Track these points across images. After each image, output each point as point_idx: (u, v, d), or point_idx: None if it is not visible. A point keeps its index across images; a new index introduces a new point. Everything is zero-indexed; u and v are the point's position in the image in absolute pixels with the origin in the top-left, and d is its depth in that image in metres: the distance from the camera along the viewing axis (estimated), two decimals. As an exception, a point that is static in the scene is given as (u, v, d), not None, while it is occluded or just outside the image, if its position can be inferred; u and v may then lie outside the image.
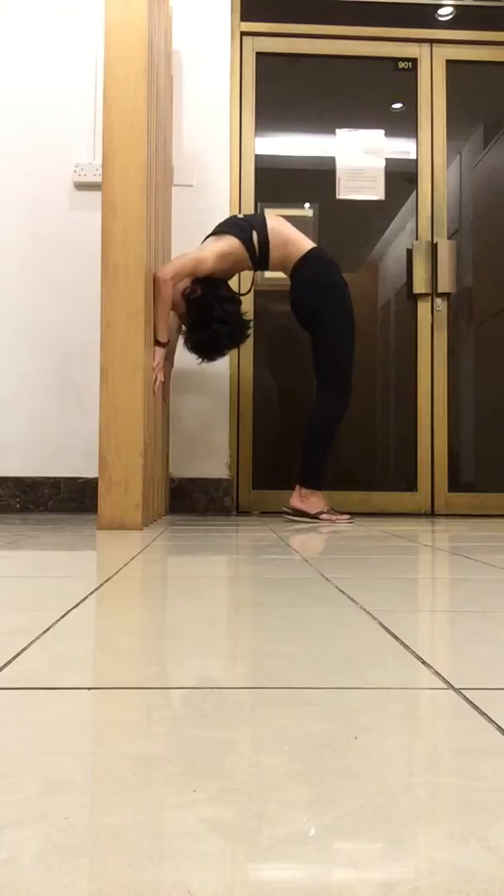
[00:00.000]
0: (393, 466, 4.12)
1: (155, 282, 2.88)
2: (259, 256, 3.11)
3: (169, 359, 3.27)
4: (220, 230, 3.14)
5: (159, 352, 2.92)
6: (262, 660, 0.80)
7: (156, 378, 2.89)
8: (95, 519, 2.64)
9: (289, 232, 3.16)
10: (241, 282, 3.58)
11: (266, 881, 0.37)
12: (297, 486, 3.16)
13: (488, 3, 4.09)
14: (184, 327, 3.17)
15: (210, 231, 3.22)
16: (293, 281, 3.19)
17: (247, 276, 3.51)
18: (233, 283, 3.30)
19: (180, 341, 3.27)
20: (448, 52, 4.07)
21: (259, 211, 3.96)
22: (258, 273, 3.28)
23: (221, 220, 3.31)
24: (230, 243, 3.06)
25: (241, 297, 3.23)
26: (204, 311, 3.04)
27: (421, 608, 1.20)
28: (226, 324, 3.07)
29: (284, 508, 3.23)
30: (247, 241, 3.08)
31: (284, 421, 3.98)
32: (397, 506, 3.98)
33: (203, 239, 3.19)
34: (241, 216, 3.34)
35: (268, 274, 3.31)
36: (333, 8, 4.05)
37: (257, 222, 3.14)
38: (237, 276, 3.36)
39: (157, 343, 2.91)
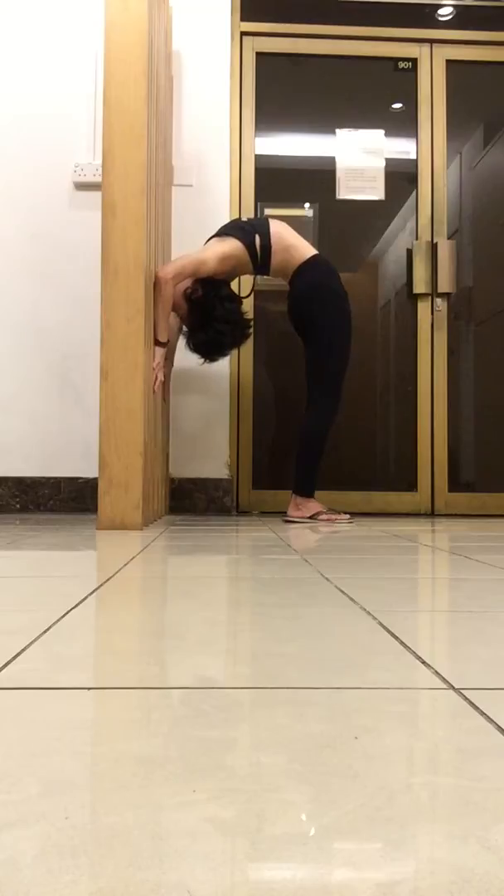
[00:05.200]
0: (393, 466, 4.12)
1: (156, 281, 2.88)
2: (260, 261, 3.11)
3: (169, 359, 3.27)
4: (223, 232, 3.14)
5: (159, 351, 2.92)
6: (262, 660, 0.80)
7: (156, 378, 2.89)
8: (95, 519, 2.64)
9: (291, 237, 3.16)
10: (241, 286, 3.57)
11: (266, 881, 0.37)
12: (293, 496, 3.17)
13: (488, 3, 4.09)
14: (185, 328, 3.17)
15: (212, 232, 3.22)
16: (292, 287, 3.18)
17: (246, 280, 3.51)
18: (232, 286, 3.30)
19: (181, 341, 3.27)
20: (448, 52, 4.06)
21: (259, 211, 3.96)
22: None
23: (224, 223, 3.32)
24: (232, 246, 3.06)
25: (243, 300, 3.24)
26: (206, 311, 3.04)
27: (421, 608, 1.19)
28: (228, 323, 3.07)
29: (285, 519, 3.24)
30: (249, 245, 3.08)
31: (284, 421, 3.98)
32: (397, 506, 3.98)
33: (206, 240, 3.19)
34: (244, 219, 3.34)
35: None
36: (333, 8, 4.05)
37: (260, 226, 3.14)
38: (237, 280, 3.36)
39: (157, 343, 2.91)
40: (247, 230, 3.11)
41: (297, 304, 3.17)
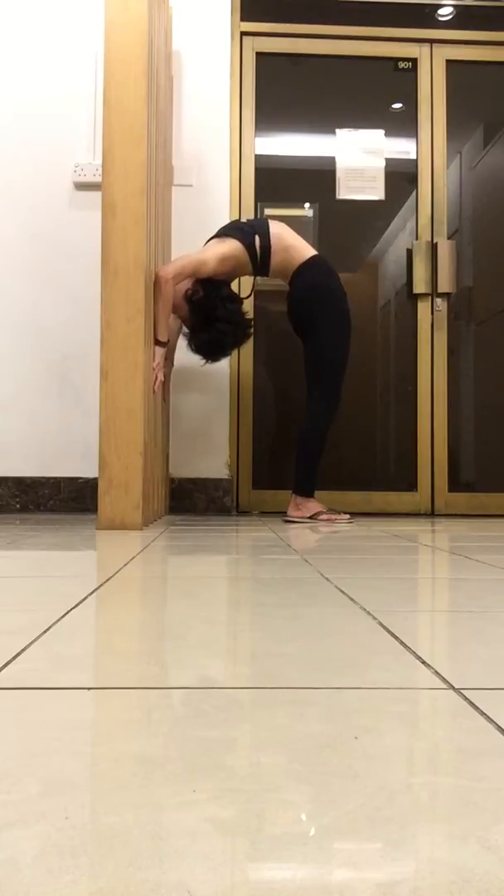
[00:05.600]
0: (393, 466, 4.12)
1: (156, 280, 2.89)
2: (260, 261, 3.11)
3: (169, 358, 3.27)
4: (223, 233, 3.14)
5: (159, 351, 2.92)
6: (262, 660, 0.80)
7: (156, 377, 2.89)
8: (95, 519, 2.64)
9: (290, 238, 3.17)
10: (242, 287, 3.57)
11: (266, 881, 0.37)
12: (293, 496, 3.17)
13: (488, 3, 4.09)
14: (185, 329, 3.18)
15: (212, 232, 3.22)
16: (291, 287, 3.19)
17: (246, 281, 3.51)
18: (233, 287, 3.30)
19: (182, 342, 3.28)
20: (448, 52, 4.06)
21: (259, 211, 3.96)
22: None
23: (224, 223, 3.32)
24: (232, 247, 3.07)
25: (243, 300, 3.24)
26: (207, 312, 3.04)
27: (421, 608, 1.20)
28: (229, 323, 3.07)
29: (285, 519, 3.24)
30: (249, 246, 3.08)
31: (284, 421, 3.98)
32: (397, 506, 3.98)
33: (206, 241, 3.19)
34: (244, 220, 3.34)
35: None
36: (333, 8, 4.05)
37: (260, 227, 3.15)
38: (237, 281, 3.36)
39: (157, 342, 2.91)
40: (246, 231, 3.11)
41: (297, 304, 3.17)
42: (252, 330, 3.24)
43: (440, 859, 0.39)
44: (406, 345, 4.06)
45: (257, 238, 3.09)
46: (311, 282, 3.13)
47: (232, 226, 3.21)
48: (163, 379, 3.01)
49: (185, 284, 3.03)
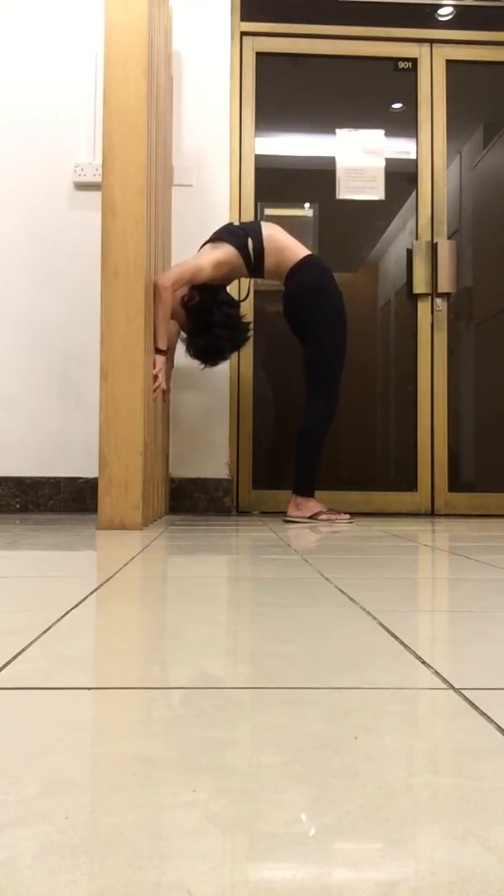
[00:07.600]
0: (393, 466, 4.12)
1: (156, 289, 2.89)
2: (254, 263, 3.12)
3: (169, 360, 3.27)
4: (216, 237, 3.15)
5: (160, 359, 2.92)
6: (262, 660, 0.80)
7: (158, 384, 2.88)
8: (95, 519, 2.64)
9: (284, 239, 3.17)
10: (240, 289, 3.57)
11: (266, 881, 0.37)
12: (293, 496, 3.17)
13: (488, 3, 4.09)
14: (183, 334, 3.18)
15: (212, 233, 3.22)
16: (287, 287, 3.19)
17: (245, 282, 3.52)
18: (232, 289, 3.30)
19: (182, 346, 3.27)
20: (448, 52, 4.06)
21: (259, 211, 3.97)
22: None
23: (224, 223, 3.31)
24: (226, 251, 3.07)
25: (240, 303, 3.24)
26: (204, 317, 3.05)
27: (421, 608, 1.20)
28: (226, 328, 3.08)
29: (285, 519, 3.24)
30: (242, 248, 3.09)
31: (284, 420, 3.98)
32: (397, 506, 3.98)
33: (200, 246, 3.20)
34: (236, 223, 3.36)
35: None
36: (333, 8, 4.05)
37: (253, 230, 3.15)
38: (236, 282, 3.37)
39: (158, 351, 2.91)
40: (238, 234, 3.12)
41: (292, 304, 3.17)
42: (250, 334, 3.25)
43: (440, 859, 0.39)
44: (406, 345, 4.06)
45: (250, 241, 3.10)
46: (304, 282, 3.14)
47: (225, 229, 3.22)
48: (164, 387, 2.99)
49: (183, 291, 3.04)
